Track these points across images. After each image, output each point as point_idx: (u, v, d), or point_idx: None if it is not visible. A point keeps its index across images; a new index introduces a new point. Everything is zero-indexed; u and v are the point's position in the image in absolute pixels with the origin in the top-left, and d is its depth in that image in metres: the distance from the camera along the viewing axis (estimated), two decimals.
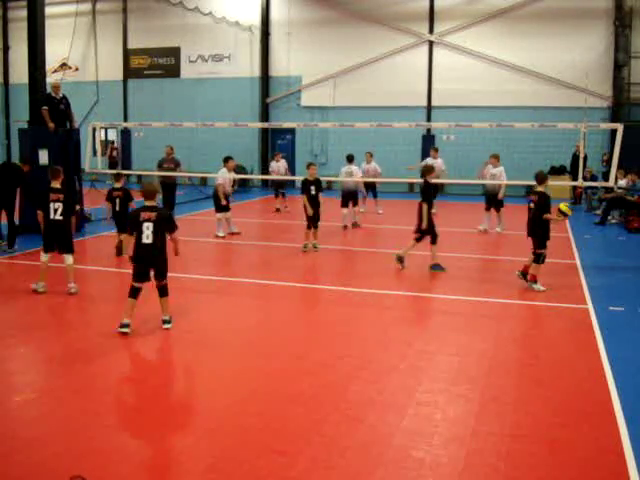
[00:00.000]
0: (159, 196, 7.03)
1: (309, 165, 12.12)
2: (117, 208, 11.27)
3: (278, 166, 17.89)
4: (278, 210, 17.42)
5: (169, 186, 17.05)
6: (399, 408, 5.05)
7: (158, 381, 5.67)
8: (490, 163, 14.56)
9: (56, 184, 8.62)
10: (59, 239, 8.54)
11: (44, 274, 8.54)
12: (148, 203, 6.89)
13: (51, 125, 13.26)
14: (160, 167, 17.07)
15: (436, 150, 17.56)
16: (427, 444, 4.46)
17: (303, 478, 4.04)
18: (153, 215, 6.74)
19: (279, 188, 17.85)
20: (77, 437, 4.58)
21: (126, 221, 11.20)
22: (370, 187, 16.68)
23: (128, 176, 24.90)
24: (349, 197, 14.55)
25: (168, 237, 6.95)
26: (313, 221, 11.72)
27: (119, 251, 10.95)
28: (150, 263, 6.87)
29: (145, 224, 6.71)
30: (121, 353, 6.34)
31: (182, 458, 4.24)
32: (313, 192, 11.67)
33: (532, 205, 9.12)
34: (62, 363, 5.91)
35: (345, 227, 14.60)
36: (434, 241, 10.24)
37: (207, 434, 4.60)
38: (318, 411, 4.97)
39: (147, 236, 6.71)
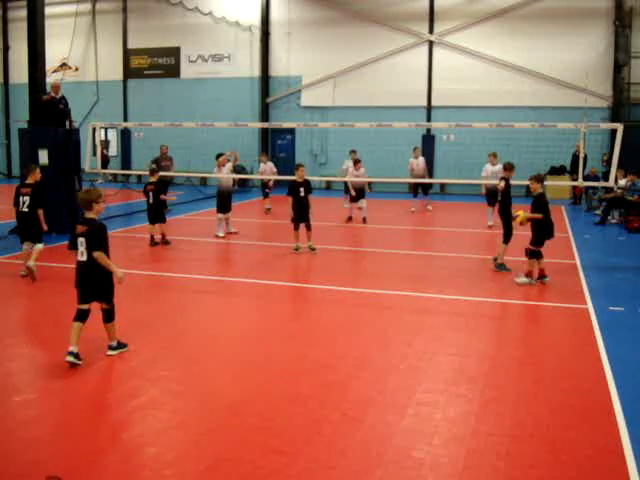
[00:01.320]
0: (99, 206, 5.99)
1: (298, 167, 11.95)
2: (150, 201, 12.32)
3: (265, 168, 17.77)
4: (269, 210, 17.31)
5: (166, 184, 17.12)
6: (399, 408, 5.05)
7: (157, 381, 5.66)
8: (489, 162, 15.12)
9: (29, 180, 9.43)
10: (26, 229, 9.32)
11: (26, 260, 9.28)
12: (86, 215, 6.01)
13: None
14: (158, 165, 17.13)
15: (417, 150, 18.03)
16: (427, 444, 4.46)
17: (303, 478, 4.04)
18: (85, 229, 5.89)
19: (266, 189, 17.82)
20: (77, 437, 4.59)
21: (158, 213, 12.33)
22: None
23: (128, 176, 25.04)
24: (360, 194, 15.66)
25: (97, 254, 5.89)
26: (303, 222, 11.57)
27: (152, 241, 12.24)
28: (85, 284, 5.96)
29: (79, 239, 5.92)
30: (120, 353, 6.33)
31: (182, 458, 4.24)
32: (302, 194, 11.62)
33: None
34: (61, 362, 5.90)
35: (350, 218, 15.80)
36: (506, 240, 10.27)
37: (207, 434, 4.60)
38: (318, 411, 4.97)
39: (81, 253, 5.91)
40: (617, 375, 5.72)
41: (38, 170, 9.60)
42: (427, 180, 17.99)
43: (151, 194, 12.28)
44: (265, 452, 4.31)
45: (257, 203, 18.49)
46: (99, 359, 6.09)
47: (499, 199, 10.59)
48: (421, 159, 17.68)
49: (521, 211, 9.44)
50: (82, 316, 5.97)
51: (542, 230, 9.28)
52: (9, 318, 7.69)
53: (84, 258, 5.89)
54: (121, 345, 6.26)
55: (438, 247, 13.02)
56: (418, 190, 17.83)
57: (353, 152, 17.82)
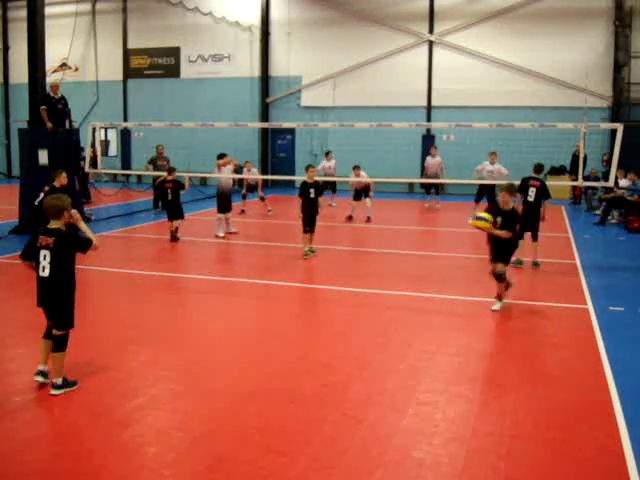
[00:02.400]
0: (68, 215, 5.34)
1: (308, 167, 11.75)
2: (169, 198, 12.76)
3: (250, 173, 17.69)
4: (243, 211, 17.15)
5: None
6: (399, 408, 5.05)
7: (157, 381, 5.66)
8: (489, 160, 15.52)
9: (56, 183, 10.02)
10: (37, 222, 9.75)
11: None
12: (51, 224, 5.27)
13: (49, 125, 13.26)
14: (154, 165, 17.12)
15: (435, 149, 18.65)
16: (427, 444, 4.46)
17: (303, 478, 4.04)
18: (51, 241, 5.14)
19: (249, 192, 17.75)
20: (77, 437, 4.59)
21: (179, 210, 12.69)
22: (330, 184, 18.23)
23: (128, 176, 25.04)
24: (360, 193, 15.96)
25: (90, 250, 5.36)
26: (309, 224, 11.37)
27: (173, 237, 12.60)
28: (44, 302, 5.30)
29: (42, 252, 5.17)
30: (120, 352, 6.34)
31: (182, 458, 4.24)
32: (312, 195, 11.53)
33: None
34: None
35: (350, 217, 16.01)
36: (536, 238, 10.54)
37: (207, 434, 4.60)
38: (318, 411, 4.97)
39: (43, 268, 5.18)
40: (617, 375, 5.72)
41: (64, 175, 10.10)
42: (426, 180, 18.26)
43: (170, 191, 12.70)
44: (265, 452, 4.31)
45: (257, 203, 18.50)
46: (98, 359, 6.09)
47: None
48: (437, 158, 18.19)
49: (483, 219, 7.81)
50: (48, 332, 5.39)
51: (510, 247, 8.00)
52: (10, 318, 7.69)
53: (46, 274, 5.18)
54: (68, 383, 5.32)
55: (438, 247, 13.02)
56: (431, 189, 18.61)
57: (328, 153, 18.54)
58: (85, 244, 5.35)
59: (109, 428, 4.67)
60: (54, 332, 5.30)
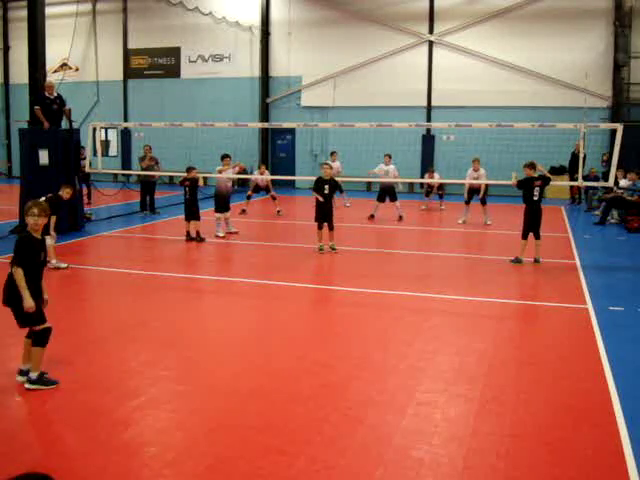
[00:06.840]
0: (28, 219, 5.31)
1: (323, 164, 12.38)
2: (187, 196, 12.91)
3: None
4: (244, 211, 17.14)
5: (148, 184, 17.00)
6: (399, 408, 5.05)
7: (157, 381, 5.66)
8: (472, 167, 15.82)
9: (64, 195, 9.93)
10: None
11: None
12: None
13: (46, 124, 13.25)
14: (141, 167, 17.07)
15: (432, 170, 18.83)
16: (427, 444, 4.46)
17: (303, 478, 4.04)
18: None
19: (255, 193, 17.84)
20: (77, 437, 4.59)
21: (194, 209, 12.73)
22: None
23: (128, 176, 25.03)
24: (386, 192, 15.97)
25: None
26: (325, 221, 11.47)
27: (190, 237, 12.66)
28: (6, 302, 5.37)
29: None
30: (120, 352, 6.34)
31: (182, 458, 4.24)
32: (327, 191, 11.59)
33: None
34: (61, 362, 5.90)
35: (372, 216, 16.05)
36: (537, 236, 10.77)
37: (207, 434, 4.60)
38: (318, 411, 4.98)
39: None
40: (617, 375, 5.72)
41: (68, 190, 9.91)
42: (427, 180, 18.34)
43: (188, 190, 12.83)
44: (265, 452, 4.31)
45: (257, 203, 18.50)
46: (98, 359, 6.09)
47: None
48: (436, 176, 18.37)
49: None
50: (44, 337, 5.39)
51: None
52: (9, 318, 7.68)
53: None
54: (44, 381, 5.32)
55: (438, 247, 13.02)
56: (431, 191, 18.72)
57: (333, 153, 18.67)
58: (13, 260, 5.19)
59: (109, 428, 4.67)
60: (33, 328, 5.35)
